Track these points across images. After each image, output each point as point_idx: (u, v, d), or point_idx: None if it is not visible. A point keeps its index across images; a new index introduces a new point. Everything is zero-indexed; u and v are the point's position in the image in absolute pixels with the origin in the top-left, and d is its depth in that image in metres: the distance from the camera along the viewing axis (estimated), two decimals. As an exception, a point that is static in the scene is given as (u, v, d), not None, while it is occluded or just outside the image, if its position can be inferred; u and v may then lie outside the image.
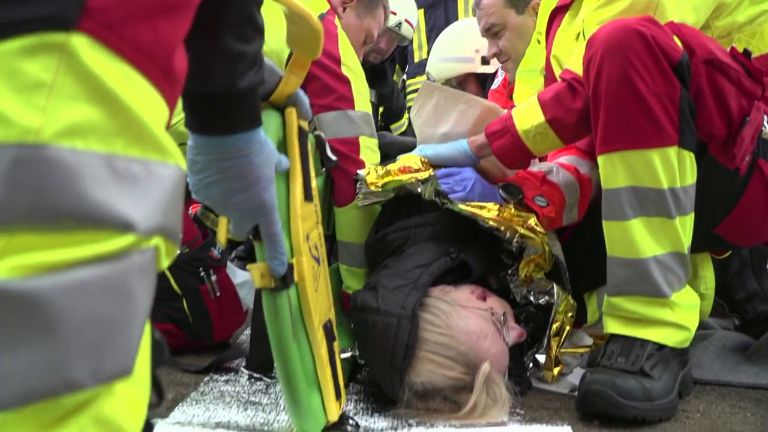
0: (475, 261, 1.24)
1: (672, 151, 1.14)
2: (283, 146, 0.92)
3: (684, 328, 1.21)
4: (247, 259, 2.86)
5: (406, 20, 3.02)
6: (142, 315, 0.48)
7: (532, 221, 1.26)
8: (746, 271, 1.60)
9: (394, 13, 2.88)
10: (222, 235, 0.89)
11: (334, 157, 1.11)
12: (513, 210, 1.27)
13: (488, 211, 1.25)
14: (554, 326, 1.25)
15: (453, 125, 1.44)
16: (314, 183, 1.01)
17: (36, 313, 0.41)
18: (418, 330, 1.08)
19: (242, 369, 1.34)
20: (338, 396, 0.98)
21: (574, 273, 1.55)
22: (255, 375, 1.32)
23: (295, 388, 0.89)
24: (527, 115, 1.34)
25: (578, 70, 1.27)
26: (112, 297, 0.45)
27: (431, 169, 1.33)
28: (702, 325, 1.68)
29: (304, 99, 0.95)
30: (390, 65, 3.38)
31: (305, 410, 0.91)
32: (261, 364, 1.30)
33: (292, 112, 0.93)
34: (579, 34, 1.45)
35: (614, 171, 1.18)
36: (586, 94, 1.24)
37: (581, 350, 1.51)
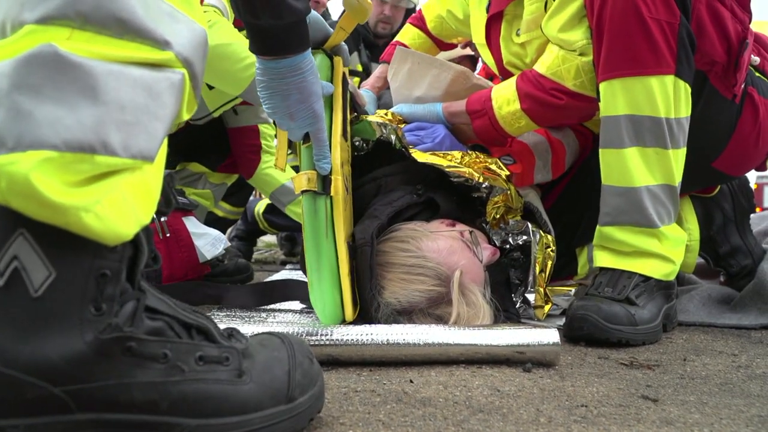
0: (443, 199, 1.27)
1: (669, 80, 1.19)
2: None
3: (670, 260, 1.26)
4: (246, 238, 2.90)
5: None
6: (167, 120, 0.55)
7: (493, 165, 1.32)
8: (729, 225, 1.65)
9: None
10: (282, 155, 1.13)
11: (362, 106, 1.28)
12: (474, 156, 1.34)
13: (451, 159, 1.31)
14: (538, 262, 1.30)
15: (426, 89, 1.51)
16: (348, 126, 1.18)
17: (88, 81, 0.49)
18: (381, 254, 1.11)
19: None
20: (355, 303, 1.07)
21: (566, 229, 1.62)
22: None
23: (323, 279, 1.04)
24: (505, 100, 1.42)
25: (554, 74, 1.36)
26: (146, 93, 0.53)
27: (403, 124, 1.43)
28: (688, 281, 1.73)
29: (347, 50, 1.16)
30: None
31: (328, 301, 1.04)
32: None
33: (339, 61, 1.13)
34: (525, 43, 1.51)
35: (614, 98, 1.22)
36: (566, 100, 1.35)
37: (570, 288, 1.56)
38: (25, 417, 0.48)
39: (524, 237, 1.35)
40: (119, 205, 0.51)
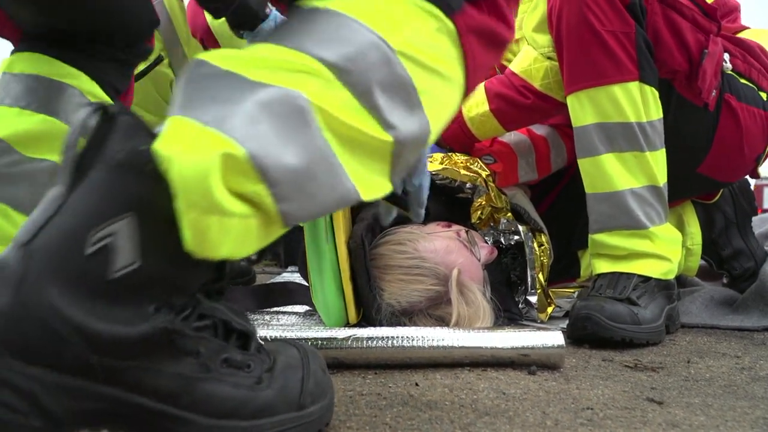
0: (431, 201, 1.27)
1: (633, 86, 1.21)
2: None
3: (666, 258, 1.27)
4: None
5: None
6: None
7: (474, 165, 1.33)
8: (731, 228, 1.65)
9: None
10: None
11: None
12: (455, 157, 1.35)
13: (432, 161, 1.32)
14: (535, 261, 1.31)
15: None
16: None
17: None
18: (379, 258, 1.12)
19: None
20: (358, 306, 1.08)
21: (566, 230, 1.62)
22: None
23: (326, 283, 1.05)
24: (474, 103, 1.45)
25: (524, 72, 1.40)
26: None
27: None
28: (690, 283, 1.73)
29: None
30: None
31: (332, 304, 1.05)
32: None
33: None
34: (519, 40, 1.56)
35: (582, 109, 1.25)
36: (532, 99, 1.37)
37: (573, 290, 1.57)
38: (54, 372, 0.48)
39: (516, 237, 1.35)
40: (235, 231, 0.51)
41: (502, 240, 1.37)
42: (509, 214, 1.36)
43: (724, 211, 1.65)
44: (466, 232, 1.19)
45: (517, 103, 1.42)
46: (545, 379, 0.92)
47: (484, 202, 1.32)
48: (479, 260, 1.16)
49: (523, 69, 1.39)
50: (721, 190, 1.61)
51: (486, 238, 1.35)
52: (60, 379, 0.48)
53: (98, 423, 0.51)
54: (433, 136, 0.62)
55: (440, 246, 1.13)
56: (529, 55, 1.40)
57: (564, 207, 1.63)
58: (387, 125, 0.56)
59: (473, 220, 1.34)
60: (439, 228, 1.21)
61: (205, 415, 0.54)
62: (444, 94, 0.62)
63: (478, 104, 1.45)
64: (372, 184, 0.58)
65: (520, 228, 1.32)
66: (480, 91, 1.44)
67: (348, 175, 0.55)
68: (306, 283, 1.31)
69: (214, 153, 0.48)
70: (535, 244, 1.32)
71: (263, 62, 0.54)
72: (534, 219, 1.37)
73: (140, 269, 0.50)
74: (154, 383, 0.52)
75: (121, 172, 0.49)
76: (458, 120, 1.47)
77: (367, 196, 0.57)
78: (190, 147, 0.49)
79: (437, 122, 0.62)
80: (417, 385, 0.87)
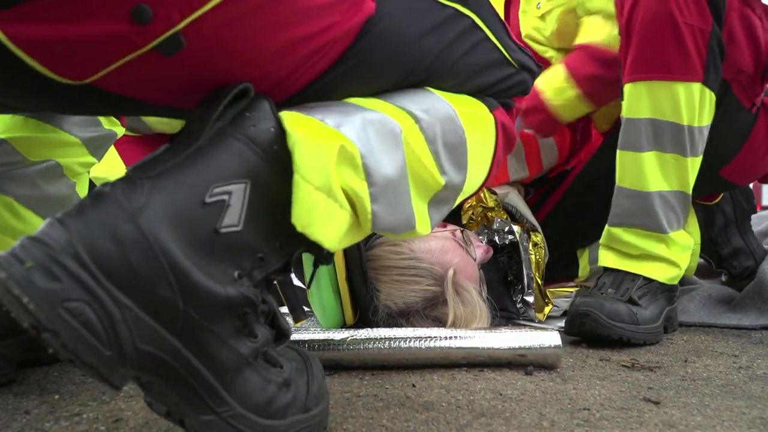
0: None
1: (696, 87, 1.19)
2: None
3: (675, 265, 1.26)
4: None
5: None
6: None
7: None
8: (730, 227, 1.65)
9: None
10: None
11: None
12: None
13: None
14: (532, 263, 1.31)
15: None
16: None
17: None
18: (375, 259, 1.12)
19: None
20: (355, 307, 1.08)
21: (567, 231, 1.62)
22: None
23: (322, 285, 1.05)
24: (559, 90, 1.44)
25: (605, 41, 1.39)
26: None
27: None
28: (688, 281, 1.73)
29: None
30: None
31: (328, 305, 1.05)
32: None
33: None
34: (545, 14, 1.55)
35: (638, 100, 1.22)
36: (616, 67, 1.32)
37: (571, 290, 1.57)
38: (140, 307, 0.48)
39: (510, 236, 1.35)
40: (334, 217, 0.57)
41: (496, 239, 1.37)
42: (503, 213, 1.36)
43: (724, 210, 1.65)
44: (462, 231, 1.19)
45: (609, 80, 1.37)
46: (542, 380, 0.92)
47: (474, 203, 1.32)
48: (475, 260, 1.16)
49: (602, 39, 1.36)
50: (721, 194, 1.62)
51: (480, 237, 1.35)
52: (142, 315, 0.48)
53: (150, 372, 0.51)
54: (462, 196, 0.76)
55: (436, 246, 1.13)
56: (604, 25, 1.36)
57: (566, 208, 1.63)
58: (443, 171, 0.69)
59: (464, 222, 1.34)
60: (435, 228, 1.21)
61: (239, 402, 0.55)
62: (481, 162, 0.77)
63: (561, 90, 1.43)
64: (421, 217, 0.68)
65: (515, 228, 1.32)
66: (559, 75, 1.42)
67: (411, 203, 0.65)
68: (302, 285, 1.31)
69: (334, 142, 0.57)
70: (530, 244, 1.32)
71: (369, 101, 0.65)
72: (527, 218, 1.37)
73: (239, 233, 0.54)
74: (216, 352, 0.53)
75: (250, 144, 0.55)
76: (543, 109, 1.46)
77: (419, 227, 0.67)
78: (315, 133, 0.56)
79: (470, 185, 0.75)
80: (414, 386, 0.87)
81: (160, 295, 0.49)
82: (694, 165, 1.23)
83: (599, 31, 1.40)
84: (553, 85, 1.43)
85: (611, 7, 1.35)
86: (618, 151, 1.27)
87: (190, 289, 0.50)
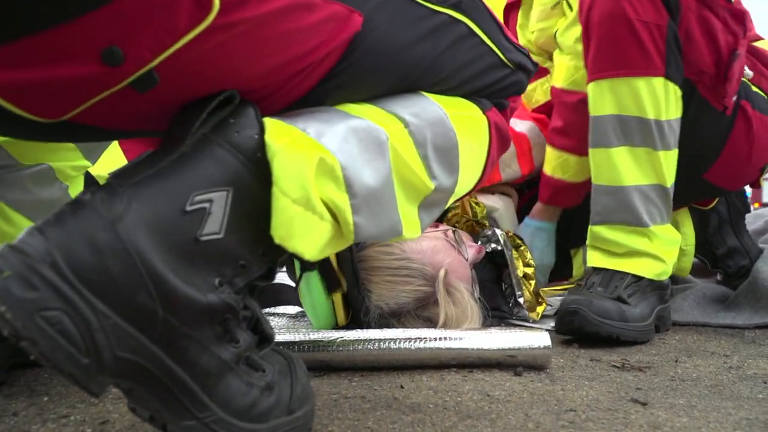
0: None
1: (658, 82, 1.20)
2: None
3: (661, 260, 1.26)
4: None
5: None
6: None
7: None
8: (725, 227, 1.65)
9: None
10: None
11: None
12: None
13: None
14: (518, 268, 1.31)
15: None
16: None
17: None
18: (367, 260, 1.12)
19: None
20: (347, 308, 1.09)
21: (561, 232, 1.62)
22: None
23: (313, 285, 1.06)
24: (556, 164, 1.52)
25: (572, 83, 1.45)
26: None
27: None
28: (682, 280, 1.73)
29: None
30: None
31: (320, 306, 1.06)
32: None
33: None
34: (539, 30, 1.59)
35: (602, 98, 1.24)
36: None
37: (565, 289, 1.57)
38: (118, 314, 0.48)
39: (493, 245, 1.34)
40: (314, 229, 0.56)
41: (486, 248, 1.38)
42: (488, 225, 1.37)
43: (718, 210, 1.65)
44: (453, 231, 1.20)
45: (579, 125, 1.40)
46: (531, 381, 0.92)
47: (459, 212, 1.32)
48: (467, 260, 1.16)
49: (569, 82, 1.41)
50: (717, 198, 1.62)
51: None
52: (121, 323, 0.48)
53: (129, 379, 0.51)
54: (454, 197, 0.76)
55: (427, 246, 1.13)
56: (567, 64, 1.40)
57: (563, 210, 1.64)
58: (432, 175, 0.68)
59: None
60: (426, 228, 1.21)
61: (221, 407, 0.55)
62: (474, 163, 0.77)
63: (553, 159, 1.52)
64: (410, 222, 0.68)
65: (498, 233, 1.32)
66: (553, 154, 1.52)
67: (398, 209, 0.65)
68: (294, 284, 1.32)
69: (313, 154, 0.56)
70: (514, 252, 1.33)
71: (357, 107, 0.65)
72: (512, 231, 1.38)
73: (220, 241, 0.54)
74: (197, 358, 0.53)
75: (233, 151, 0.55)
76: (561, 186, 1.54)
77: (407, 232, 0.67)
78: (294, 144, 0.56)
79: (463, 186, 0.75)
80: (402, 387, 0.88)
81: (138, 303, 0.49)
82: (668, 158, 1.24)
83: (562, 72, 1.45)
84: (550, 162, 1.52)
85: (579, 47, 1.38)
86: (590, 150, 1.29)
87: (170, 296, 0.50)
